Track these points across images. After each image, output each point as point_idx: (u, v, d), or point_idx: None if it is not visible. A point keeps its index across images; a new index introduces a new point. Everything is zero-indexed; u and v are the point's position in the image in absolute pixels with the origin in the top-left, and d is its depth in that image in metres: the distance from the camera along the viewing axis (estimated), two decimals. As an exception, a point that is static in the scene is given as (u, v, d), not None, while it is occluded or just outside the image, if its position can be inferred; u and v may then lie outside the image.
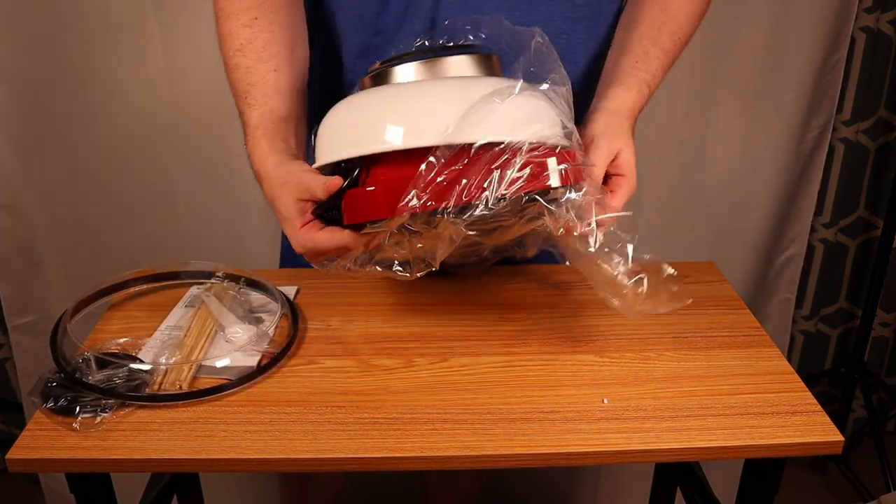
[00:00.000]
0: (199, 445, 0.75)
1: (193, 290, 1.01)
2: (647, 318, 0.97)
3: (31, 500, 1.69)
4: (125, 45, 1.34)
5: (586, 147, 0.84)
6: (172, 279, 1.03)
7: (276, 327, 0.93)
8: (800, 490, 1.78)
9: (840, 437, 0.77)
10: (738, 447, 0.77)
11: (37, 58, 1.34)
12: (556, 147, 0.75)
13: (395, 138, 0.74)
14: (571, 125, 0.79)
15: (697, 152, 1.55)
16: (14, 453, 0.74)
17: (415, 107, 0.75)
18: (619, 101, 0.89)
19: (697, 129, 1.53)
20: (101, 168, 1.43)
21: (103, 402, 0.79)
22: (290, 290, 1.02)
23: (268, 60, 0.88)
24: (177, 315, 0.96)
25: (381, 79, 0.80)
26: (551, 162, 0.74)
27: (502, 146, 0.72)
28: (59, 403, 0.78)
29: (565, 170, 0.75)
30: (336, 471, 0.75)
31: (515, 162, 0.72)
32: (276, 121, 0.86)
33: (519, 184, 0.73)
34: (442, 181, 0.72)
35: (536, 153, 0.73)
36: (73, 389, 0.80)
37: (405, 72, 0.79)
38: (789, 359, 1.62)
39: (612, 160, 0.84)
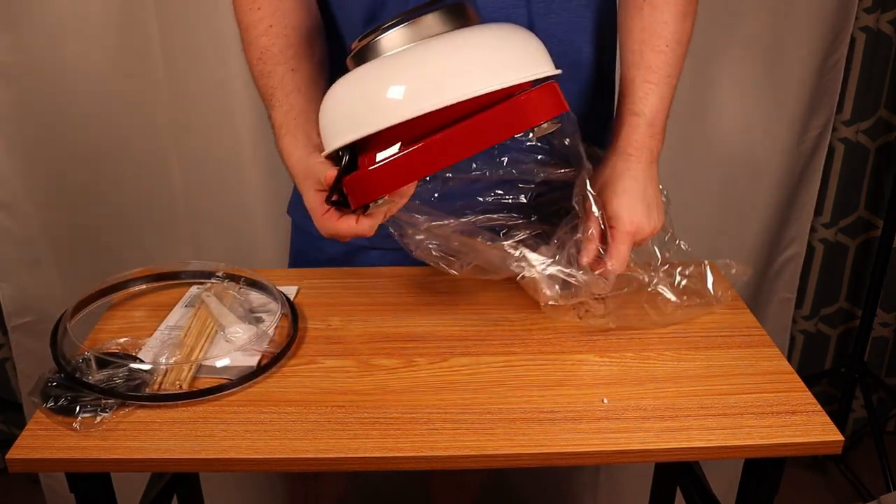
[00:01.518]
0: (199, 445, 0.75)
1: (193, 289, 1.01)
2: (647, 318, 0.97)
3: (31, 499, 1.69)
4: (124, 44, 1.34)
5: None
6: (172, 279, 1.03)
7: (276, 327, 0.93)
8: (800, 490, 1.78)
9: (840, 437, 0.77)
10: (737, 447, 0.77)
11: (36, 57, 1.34)
12: (532, 82, 0.77)
13: (369, 124, 0.75)
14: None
15: (697, 152, 1.55)
16: (14, 453, 0.74)
17: (380, 87, 0.75)
18: (610, 149, 0.96)
19: (697, 129, 1.53)
20: (100, 168, 1.43)
21: (103, 401, 0.79)
22: (290, 290, 1.02)
23: (285, 63, 0.92)
24: (177, 315, 0.96)
25: (359, 58, 0.80)
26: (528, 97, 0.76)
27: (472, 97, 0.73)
28: (59, 403, 0.78)
29: (546, 101, 0.77)
30: (336, 471, 0.75)
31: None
32: (298, 116, 0.90)
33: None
34: (434, 146, 0.75)
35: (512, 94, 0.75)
36: (73, 389, 0.80)
37: (381, 45, 0.78)
38: (789, 359, 1.62)
39: (604, 210, 0.92)
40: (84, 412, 0.78)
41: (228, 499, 1.60)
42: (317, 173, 0.84)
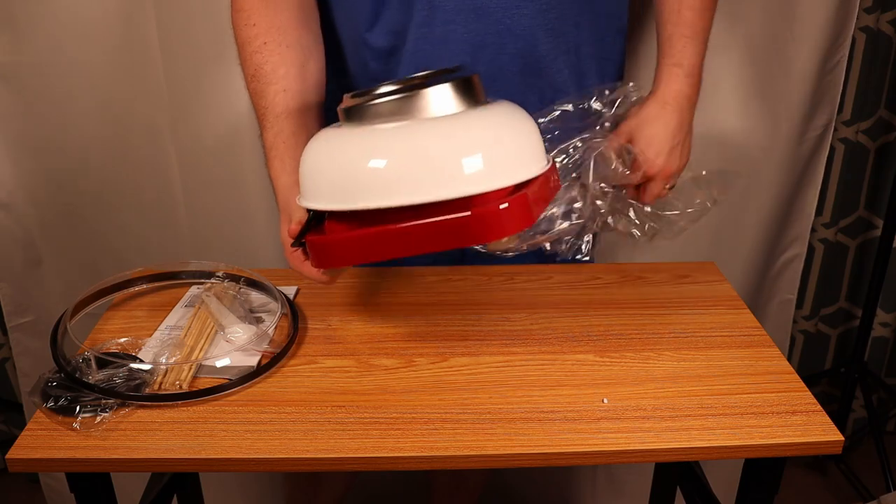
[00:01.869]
0: (199, 445, 0.75)
1: (193, 289, 1.01)
2: (647, 318, 0.97)
3: (31, 499, 1.69)
4: (123, 43, 1.34)
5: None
6: (173, 279, 1.03)
7: (275, 327, 0.93)
8: (800, 490, 1.78)
9: (840, 437, 0.77)
10: (737, 447, 0.77)
11: (34, 56, 1.34)
12: (510, 187, 0.76)
13: (338, 201, 0.76)
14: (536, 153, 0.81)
15: (697, 152, 1.55)
16: (14, 453, 0.74)
17: (365, 168, 0.74)
18: (648, 97, 1.03)
19: (697, 129, 1.53)
20: (100, 168, 1.42)
21: (103, 401, 0.79)
22: (290, 290, 1.02)
23: (277, 82, 0.92)
24: (177, 315, 0.96)
25: (351, 116, 0.79)
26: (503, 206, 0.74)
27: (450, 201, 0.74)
28: (59, 403, 0.78)
29: (520, 208, 0.76)
30: (336, 470, 0.75)
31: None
32: (287, 139, 0.90)
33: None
34: (395, 235, 0.75)
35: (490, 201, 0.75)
36: (72, 389, 0.80)
37: (375, 112, 0.77)
38: (789, 359, 1.62)
39: (633, 147, 1.00)
40: (84, 412, 0.78)
41: (229, 499, 1.60)
42: (292, 211, 0.86)
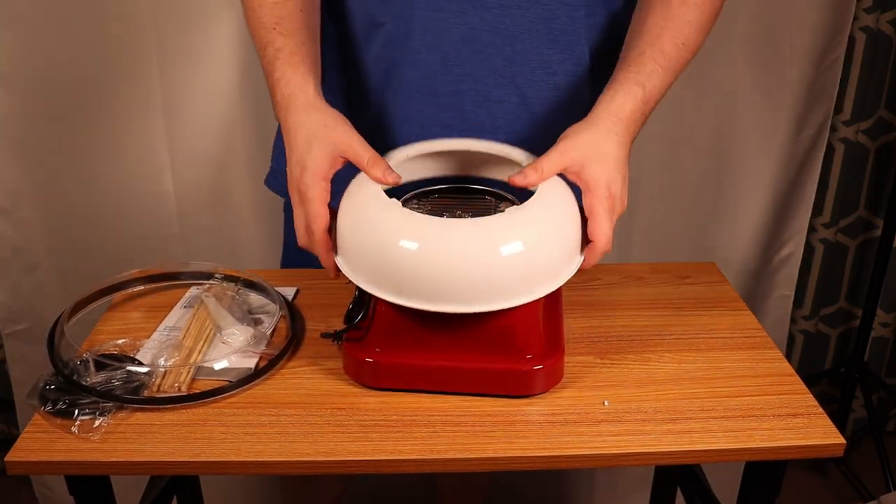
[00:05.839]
0: (198, 448, 0.75)
1: (193, 290, 1.01)
2: (648, 319, 0.96)
3: (30, 500, 1.68)
4: (122, 49, 1.34)
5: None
6: (172, 280, 1.02)
7: (274, 329, 0.92)
8: (800, 490, 1.78)
9: (841, 440, 0.77)
10: (738, 449, 0.76)
11: (35, 63, 1.34)
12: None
13: (389, 292, 0.78)
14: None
15: (695, 150, 1.55)
16: (13, 455, 0.74)
17: (421, 271, 0.76)
18: (599, 109, 0.85)
19: (695, 128, 1.53)
20: (97, 173, 1.42)
21: (101, 404, 0.78)
22: (289, 291, 1.01)
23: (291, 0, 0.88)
24: (176, 316, 0.95)
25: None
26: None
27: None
28: (57, 407, 0.78)
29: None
30: (336, 473, 0.75)
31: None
32: (309, 55, 0.86)
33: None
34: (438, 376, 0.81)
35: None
36: (70, 392, 0.80)
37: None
38: (789, 359, 1.62)
39: (577, 171, 0.81)
40: (82, 415, 0.77)
41: (228, 501, 1.60)
42: (352, 142, 0.79)
